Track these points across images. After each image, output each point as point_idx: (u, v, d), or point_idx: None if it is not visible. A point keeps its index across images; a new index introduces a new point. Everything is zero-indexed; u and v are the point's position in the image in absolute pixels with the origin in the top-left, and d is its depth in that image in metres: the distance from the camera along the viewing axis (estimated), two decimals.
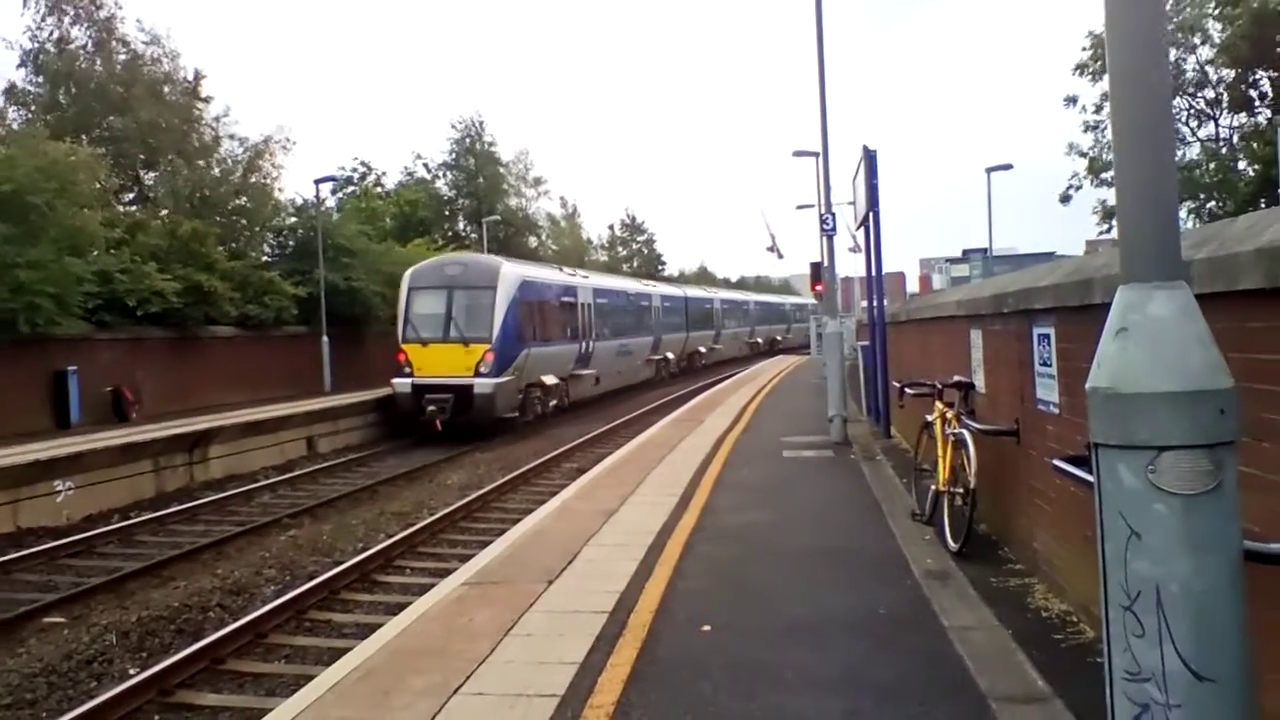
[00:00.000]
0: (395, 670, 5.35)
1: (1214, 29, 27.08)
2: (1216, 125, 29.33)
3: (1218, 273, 3.63)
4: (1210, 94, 28.92)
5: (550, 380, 26.76)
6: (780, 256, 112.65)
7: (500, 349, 24.14)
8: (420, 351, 24.74)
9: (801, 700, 4.66)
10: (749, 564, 7.56)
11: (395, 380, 24.26)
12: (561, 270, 32.03)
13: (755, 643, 5.60)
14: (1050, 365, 6.29)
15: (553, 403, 27.04)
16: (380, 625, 6.94)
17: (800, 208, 44.21)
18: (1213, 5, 26.53)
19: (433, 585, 8.14)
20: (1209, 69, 28.04)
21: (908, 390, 9.98)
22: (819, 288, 27.10)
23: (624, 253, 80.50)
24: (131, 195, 30.69)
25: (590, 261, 61.38)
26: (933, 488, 8.41)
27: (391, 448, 21.77)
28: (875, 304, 15.62)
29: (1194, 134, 29.72)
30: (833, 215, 16.38)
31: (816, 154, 23.73)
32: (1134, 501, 2.53)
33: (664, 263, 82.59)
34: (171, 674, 7.51)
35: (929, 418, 8.83)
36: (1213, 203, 27.31)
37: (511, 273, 25.60)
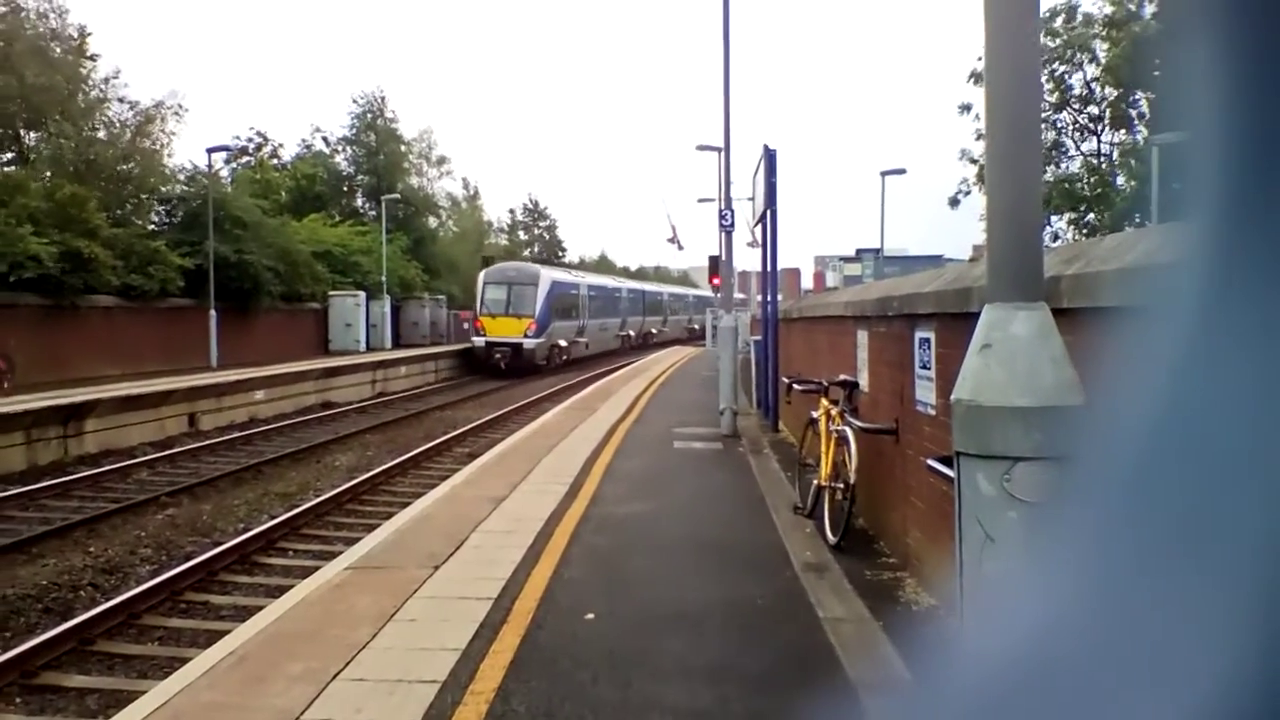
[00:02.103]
0: (272, 655, 5.28)
1: (1100, 49, 28.07)
2: (1099, 140, 30.18)
3: (1083, 290, 3.85)
4: (1094, 110, 29.74)
5: (563, 343, 42.06)
6: (680, 248, 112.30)
7: (540, 322, 38.75)
8: (490, 321, 40.02)
9: (677, 689, 4.80)
10: (634, 554, 7.67)
11: (474, 338, 40.45)
12: (571, 272, 48.50)
13: (636, 632, 5.71)
14: (929, 369, 6.51)
15: (564, 357, 41.85)
16: (259, 608, 6.87)
17: (702, 201, 46.12)
18: (1099, 27, 27.67)
19: (315, 569, 8.09)
20: (1094, 86, 28.94)
21: (795, 386, 10.19)
22: (716, 281, 28.05)
23: (525, 237, 78.80)
24: (10, 155, 29.10)
25: (489, 245, 62.23)
26: (815, 482, 8.58)
27: (280, 428, 21.54)
28: (768, 300, 15.92)
29: (1077, 147, 30.42)
30: (731, 211, 16.59)
31: (719, 149, 24.64)
32: (989, 507, 2.66)
33: (564, 249, 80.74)
34: (36, 655, 7.31)
35: (814, 414, 9.03)
36: (1091, 214, 28.30)
37: (547, 274, 42.28)
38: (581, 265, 72.08)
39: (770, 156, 14.61)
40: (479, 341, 40.39)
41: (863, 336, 8.79)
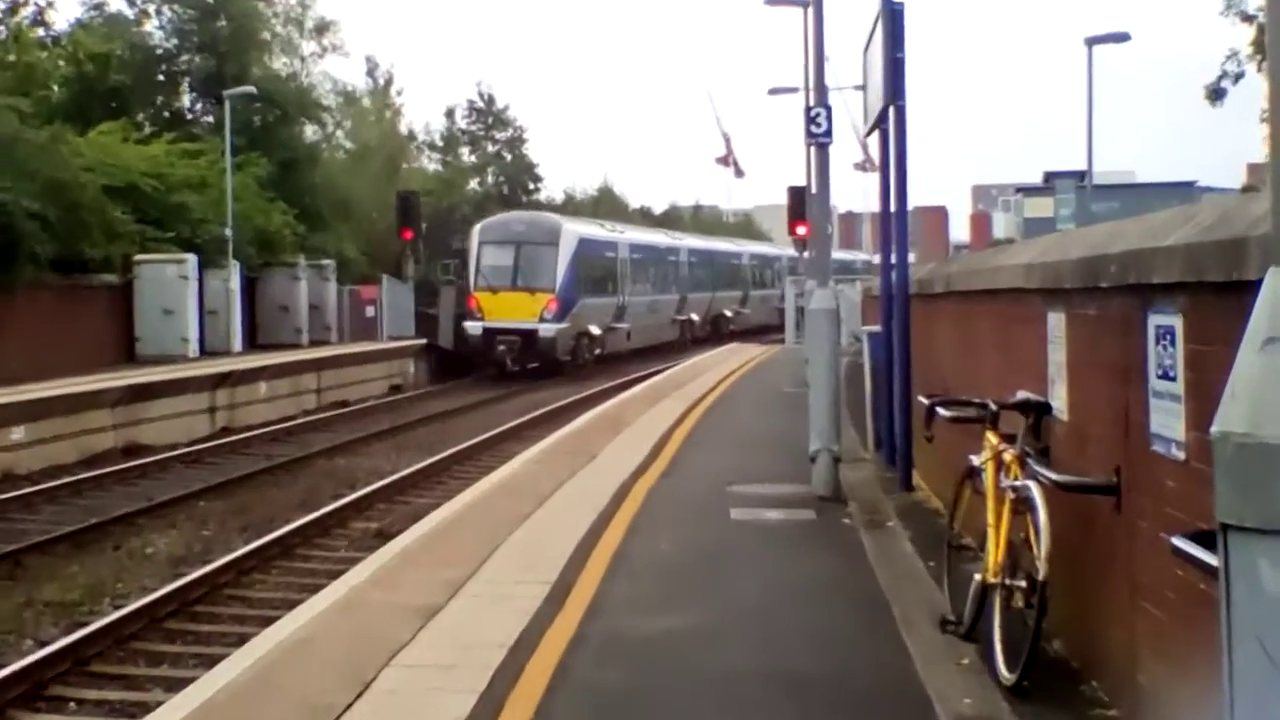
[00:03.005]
0: None
1: None
2: None
3: None
4: None
5: (595, 330, 35.62)
6: (740, 174, 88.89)
7: (563, 298, 32.89)
8: (489, 299, 32.25)
9: None
10: (664, 707, 5.99)
11: (466, 323, 32.92)
12: (604, 226, 41.58)
13: None
14: (1175, 378, 4.92)
15: (596, 350, 36.05)
16: None
17: (775, 92, 34.43)
18: None
19: None
20: None
21: (942, 411, 7.71)
22: (803, 230, 22.32)
23: (473, 157, 60.72)
24: None
25: (410, 171, 49.24)
26: (977, 577, 6.71)
27: (53, 490, 16.70)
28: (894, 262, 12.22)
29: None
30: (827, 110, 12.10)
31: (803, 2, 18.62)
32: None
33: (539, 178, 62.53)
34: None
35: (975, 460, 7.04)
36: None
37: (571, 229, 35.03)
38: (598, 212, 58.25)
39: (895, 15, 11.02)
40: (473, 328, 32.93)
41: (1057, 323, 6.69)
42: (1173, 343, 5.12)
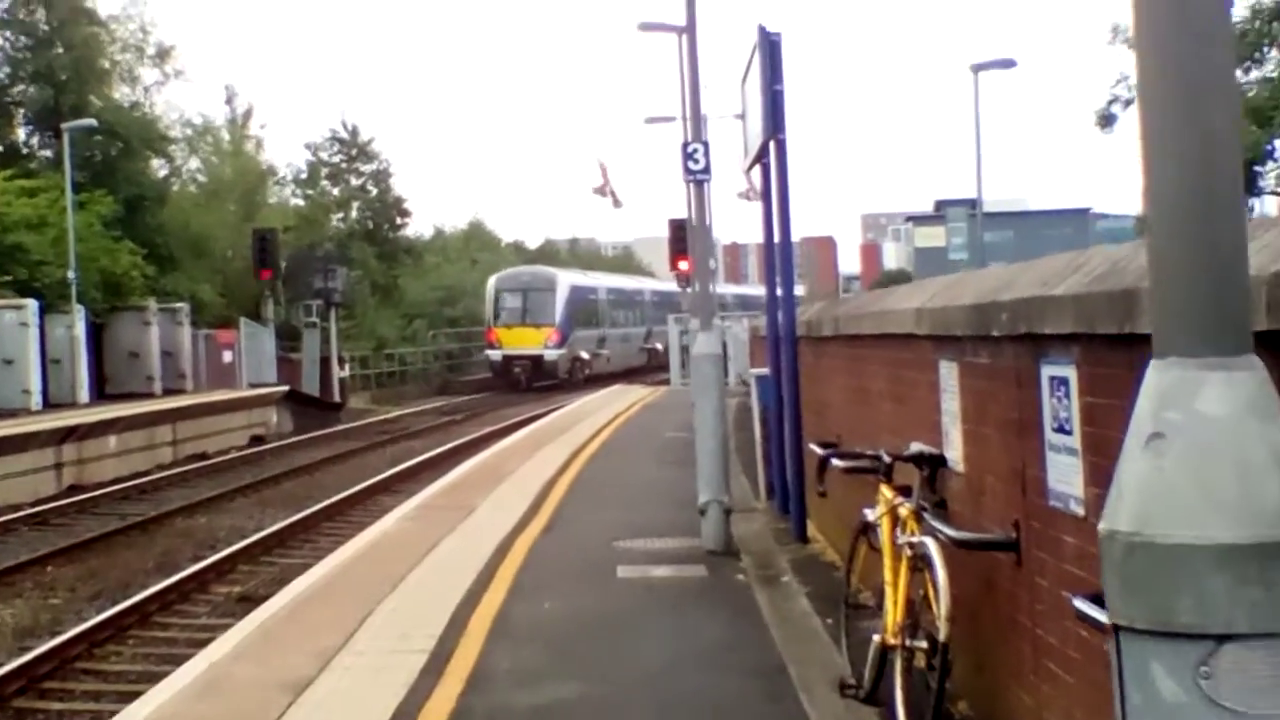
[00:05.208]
0: None
1: None
2: None
3: None
4: None
5: (584, 354, 47.42)
6: (618, 204, 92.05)
7: (562, 330, 45.96)
8: (506, 332, 44.76)
9: None
10: None
11: (488, 351, 46.40)
12: (587, 273, 56.61)
13: None
14: (1071, 432, 4.81)
15: (586, 371, 47.48)
16: None
17: (652, 121, 35.64)
18: None
19: None
20: None
21: (835, 461, 7.41)
22: (684, 266, 21.66)
23: (336, 191, 59.47)
24: None
25: (270, 208, 47.86)
26: (876, 638, 6.46)
27: None
28: (779, 296, 11.76)
29: None
30: (704, 145, 11.92)
31: (677, 29, 17.87)
32: None
33: (406, 211, 61.88)
34: None
35: (870, 514, 6.78)
36: None
37: (565, 277, 48.71)
38: (469, 247, 70.72)
39: (773, 45, 10.63)
40: (494, 355, 45.60)
41: (949, 372, 6.53)
42: (1068, 395, 5.04)
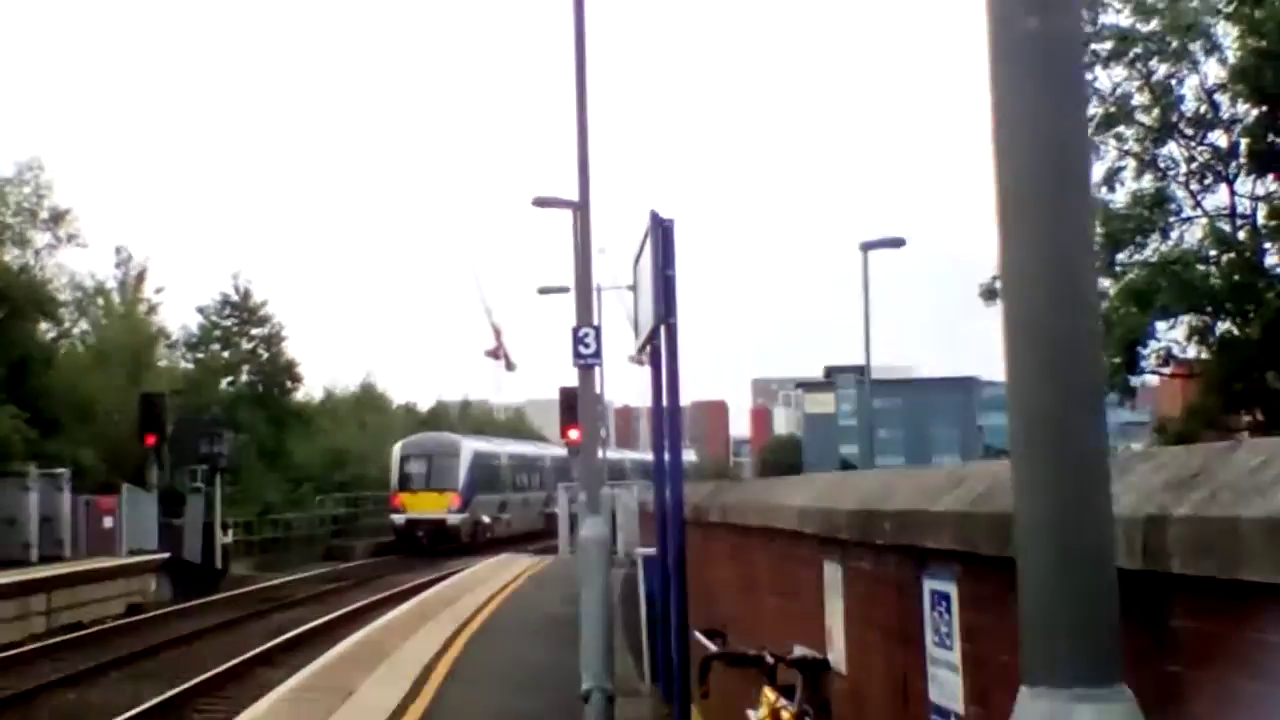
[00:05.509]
0: None
1: (1227, 36, 21.44)
2: (1231, 191, 22.18)
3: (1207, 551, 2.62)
4: (1221, 139, 22.22)
5: (486, 519, 48.35)
6: (511, 367, 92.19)
7: (465, 495, 47.29)
8: (410, 497, 45.78)
9: None
10: None
11: (392, 516, 46.72)
12: (489, 440, 58.68)
13: None
14: (951, 646, 4.73)
15: (488, 535, 48.52)
16: None
17: (545, 292, 35.89)
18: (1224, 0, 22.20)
19: None
20: (1218, 98, 21.82)
21: (717, 658, 6.82)
22: (574, 436, 21.26)
23: (226, 355, 58.79)
24: None
25: (159, 371, 46.96)
26: None
27: None
28: (667, 473, 11.23)
29: (1196, 202, 22.67)
30: (595, 330, 11.70)
31: (572, 205, 17.29)
32: None
33: (297, 374, 61.23)
34: None
35: (752, 716, 6.50)
36: (1225, 322, 21.42)
37: (468, 444, 50.02)
38: (360, 409, 71.38)
39: (664, 232, 10.41)
40: (398, 519, 45.52)
41: (834, 574, 6.46)
42: (949, 610, 4.95)
